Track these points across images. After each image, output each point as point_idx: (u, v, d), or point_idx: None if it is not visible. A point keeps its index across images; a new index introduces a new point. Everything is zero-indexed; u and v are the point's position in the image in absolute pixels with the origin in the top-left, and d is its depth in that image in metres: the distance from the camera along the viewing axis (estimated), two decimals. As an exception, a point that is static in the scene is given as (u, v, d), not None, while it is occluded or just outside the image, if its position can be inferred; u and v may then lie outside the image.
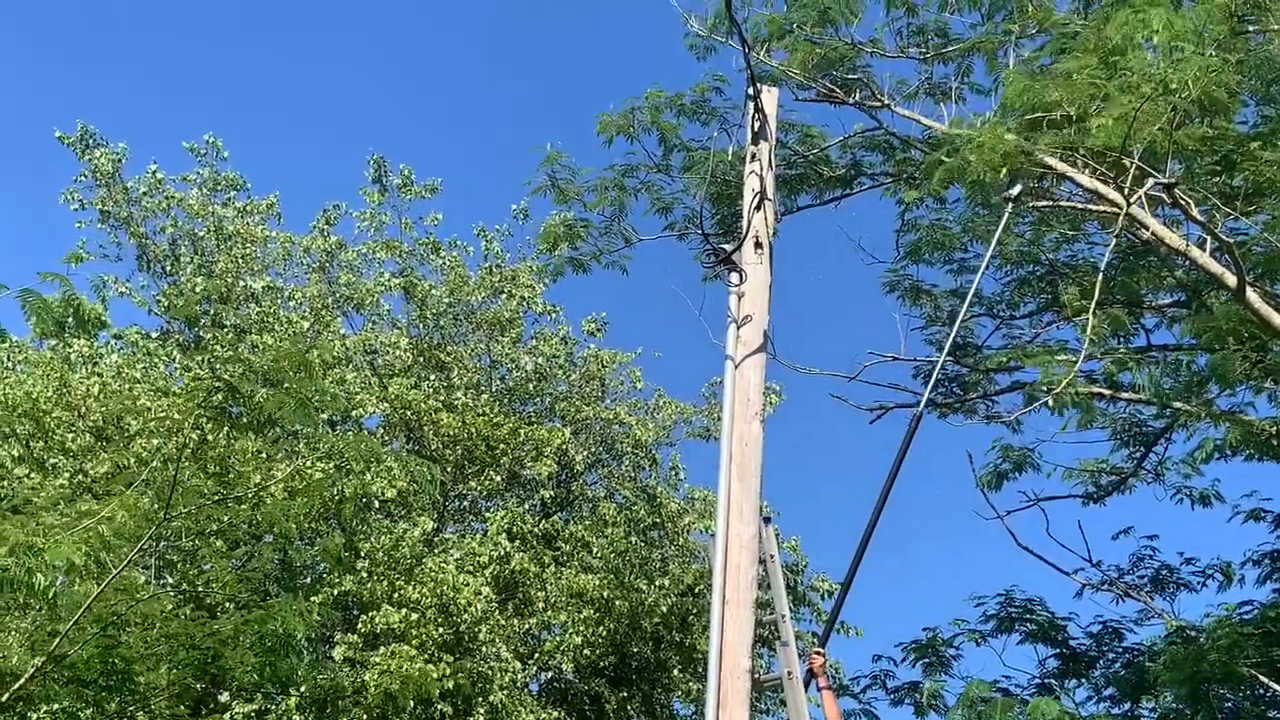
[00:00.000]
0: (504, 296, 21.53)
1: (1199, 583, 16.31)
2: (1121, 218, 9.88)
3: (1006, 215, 9.35)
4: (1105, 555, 17.08)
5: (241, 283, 20.68)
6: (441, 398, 19.82)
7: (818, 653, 8.73)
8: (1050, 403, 11.53)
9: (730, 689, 8.83)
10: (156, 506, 11.64)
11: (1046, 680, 16.55)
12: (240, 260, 21.07)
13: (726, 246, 9.13)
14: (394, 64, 53.71)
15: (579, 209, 15.18)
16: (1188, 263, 12.90)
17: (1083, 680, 16.56)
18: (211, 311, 20.88)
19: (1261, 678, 12.20)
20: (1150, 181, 9.69)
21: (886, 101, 14.32)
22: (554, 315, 22.20)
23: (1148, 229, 10.47)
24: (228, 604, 14.16)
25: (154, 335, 20.93)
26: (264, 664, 12.68)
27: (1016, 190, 9.05)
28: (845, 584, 9.13)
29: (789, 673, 8.95)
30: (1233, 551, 18.83)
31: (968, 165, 10.39)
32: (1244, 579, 15.73)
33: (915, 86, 14.59)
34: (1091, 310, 10.08)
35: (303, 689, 14.42)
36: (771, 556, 9.12)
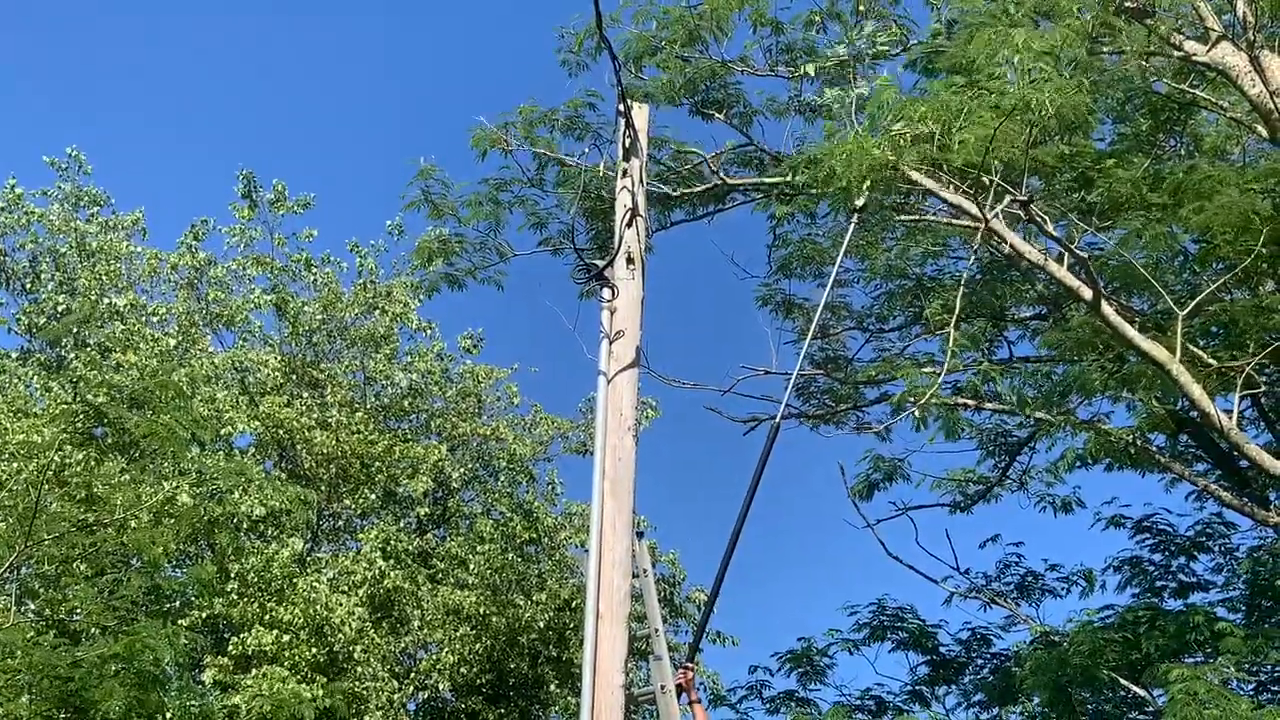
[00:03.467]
0: (378, 313, 21.34)
1: (1063, 589, 16.71)
2: (981, 232, 10.13)
3: (852, 228, 9.55)
4: (973, 563, 17.48)
5: (106, 300, 20.19)
6: (315, 416, 19.56)
7: (686, 668, 8.80)
8: (916, 413, 11.77)
9: (604, 704, 8.85)
10: (17, 532, 11.29)
11: (917, 687, 16.84)
12: (104, 277, 20.59)
13: (599, 262, 9.19)
14: (263, 77, 52.93)
15: (453, 224, 15.10)
16: (1047, 276, 13.28)
17: (952, 686, 16.86)
18: (75, 330, 20.36)
19: (1122, 680, 12.56)
20: (1008, 198, 9.96)
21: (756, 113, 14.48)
22: (429, 332, 22.10)
23: (1007, 243, 10.76)
24: (93, 630, 13.78)
25: (13, 355, 20.37)
26: (132, 695, 12.33)
27: (861, 201, 9.28)
28: (710, 599, 9.22)
29: (662, 686, 8.99)
30: (1094, 558, 19.37)
31: (833, 174, 10.57)
32: (1105, 584, 16.16)
33: (785, 103, 14.79)
34: (953, 324, 10.32)
35: (170, 716, 14.10)
36: (645, 571, 9.17)
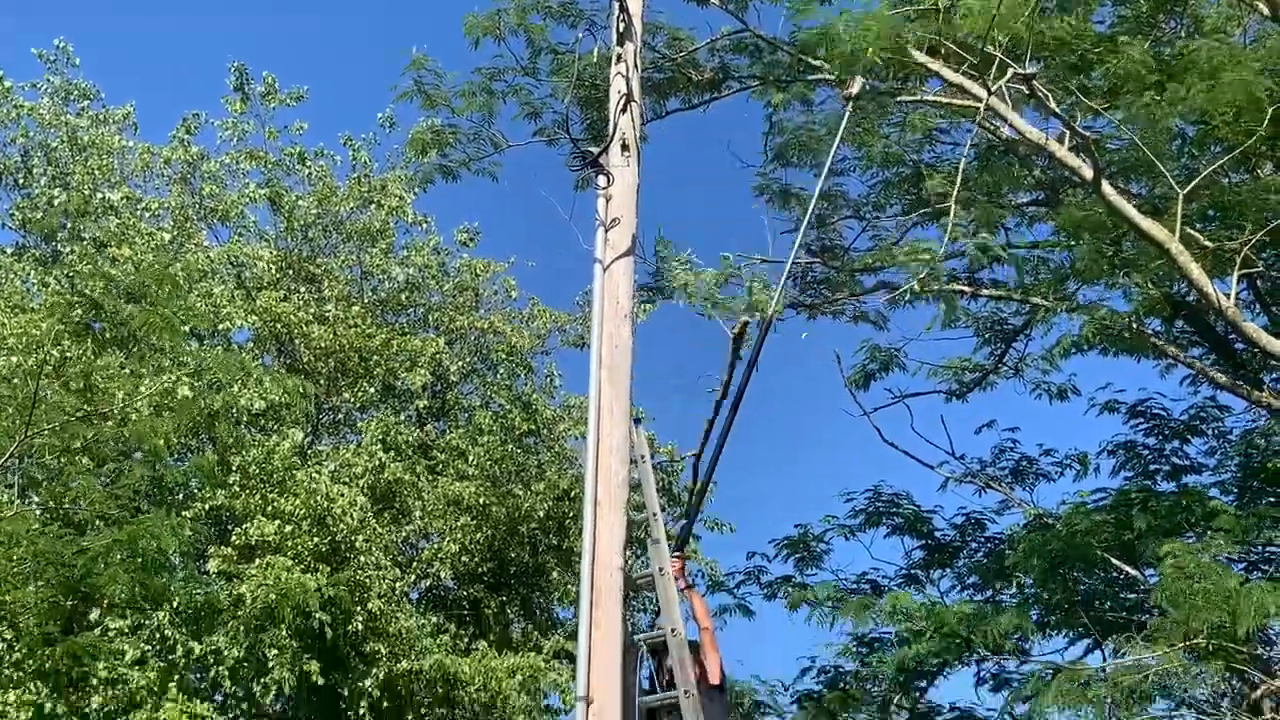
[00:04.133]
0: (373, 207, 21.21)
1: (1057, 473, 16.83)
2: (982, 108, 10.06)
3: (847, 114, 9.50)
4: (968, 449, 17.57)
5: (99, 195, 20.05)
6: (312, 310, 19.55)
7: (677, 556, 8.97)
8: (915, 286, 11.71)
9: (604, 587, 9.00)
10: (17, 423, 11.36)
11: (912, 571, 17.06)
12: (97, 171, 20.43)
13: (594, 150, 9.16)
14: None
15: (446, 115, 14.97)
16: (1046, 160, 13.17)
17: (947, 570, 17.08)
18: (69, 225, 20.25)
19: (1114, 560, 12.73)
20: (1011, 72, 9.85)
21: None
22: (425, 225, 22.00)
23: (1007, 121, 10.68)
24: (97, 522, 13.92)
25: (8, 250, 20.31)
26: (136, 581, 12.48)
27: (857, 88, 9.22)
28: (704, 482, 9.37)
29: (660, 569, 9.15)
30: (1088, 443, 19.48)
31: (839, 38, 10.45)
32: (1099, 468, 16.28)
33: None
34: (953, 198, 10.28)
35: (176, 604, 14.29)
36: (643, 457, 9.28)
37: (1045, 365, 16.71)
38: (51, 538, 12.28)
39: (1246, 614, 8.84)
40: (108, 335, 15.74)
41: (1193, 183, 10.38)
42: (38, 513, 13.51)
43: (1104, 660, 12.43)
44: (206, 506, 15.77)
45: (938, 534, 17.13)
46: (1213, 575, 9.47)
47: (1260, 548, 13.04)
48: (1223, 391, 14.74)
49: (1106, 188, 9.96)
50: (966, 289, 14.68)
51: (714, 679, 9.33)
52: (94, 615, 14.06)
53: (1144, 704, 10.91)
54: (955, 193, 10.16)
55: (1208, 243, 11.01)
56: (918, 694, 17.19)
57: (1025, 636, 13.29)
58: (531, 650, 17.98)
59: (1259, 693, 9.98)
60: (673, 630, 9.04)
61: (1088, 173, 9.94)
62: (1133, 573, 12.93)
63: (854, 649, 16.73)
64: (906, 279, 12.41)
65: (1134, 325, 13.63)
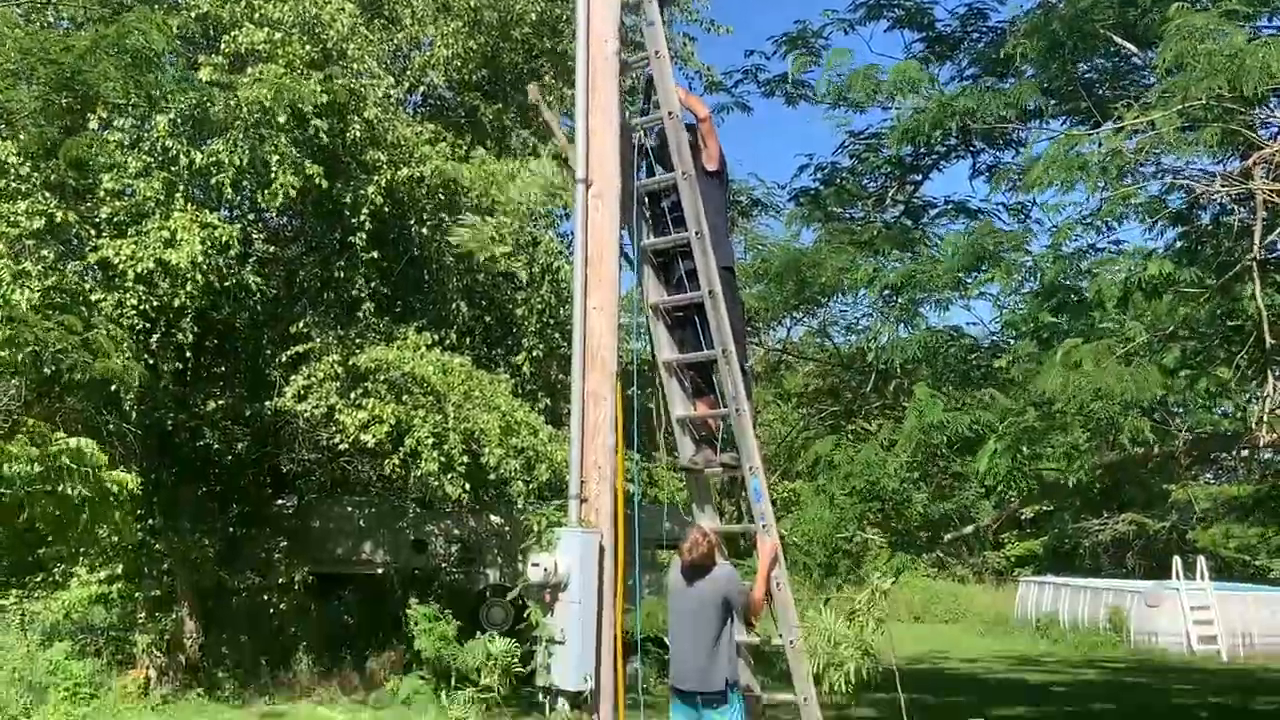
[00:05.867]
0: None
1: (1066, -46, 16.20)
2: None
3: None
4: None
5: None
6: None
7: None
8: None
9: (599, 67, 9.01)
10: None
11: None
12: None
13: None
14: None
15: None
16: None
17: (947, 63, 16.79)
18: None
19: (1117, 40, 12.42)
20: None
21: None
22: None
23: None
24: (82, 29, 13.58)
25: None
26: (129, 78, 12.24)
27: None
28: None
29: (656, 52, 9.10)
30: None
31: None
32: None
33: None
34: None
35: (172, 111, 14.21)
36: (637, -74, 9.09)
37: None
38: (38, 35, 11.97)
39: (1252, 73, 8.64)
40: None
41: None
42: (19, 11, 13.15)
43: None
44: (192, 14, 15.39)
45: (939, 25, 16.75)
46: (1219, 35, 9.22)
47: (1268, 18, 12.64)
48: None
49: None
50: None
51: (711, 164, 9.44)
52: (92, 125, 14.01)
53: (1137, 180, 10.99)
54: None
55: None
56: (912, 188, 17.45)
57: (1025, 118, 13.19)
58: (530, 156, 18.04)
59: (1252, 160, 10.02)
60: (669, 114, 9.05)
61: None
62: (1136, 52, 12.69)
63: (850, 145, 16.82)
64: None
65: None
